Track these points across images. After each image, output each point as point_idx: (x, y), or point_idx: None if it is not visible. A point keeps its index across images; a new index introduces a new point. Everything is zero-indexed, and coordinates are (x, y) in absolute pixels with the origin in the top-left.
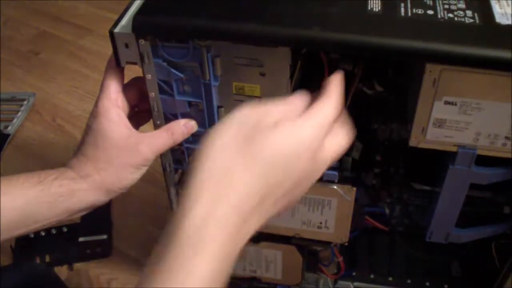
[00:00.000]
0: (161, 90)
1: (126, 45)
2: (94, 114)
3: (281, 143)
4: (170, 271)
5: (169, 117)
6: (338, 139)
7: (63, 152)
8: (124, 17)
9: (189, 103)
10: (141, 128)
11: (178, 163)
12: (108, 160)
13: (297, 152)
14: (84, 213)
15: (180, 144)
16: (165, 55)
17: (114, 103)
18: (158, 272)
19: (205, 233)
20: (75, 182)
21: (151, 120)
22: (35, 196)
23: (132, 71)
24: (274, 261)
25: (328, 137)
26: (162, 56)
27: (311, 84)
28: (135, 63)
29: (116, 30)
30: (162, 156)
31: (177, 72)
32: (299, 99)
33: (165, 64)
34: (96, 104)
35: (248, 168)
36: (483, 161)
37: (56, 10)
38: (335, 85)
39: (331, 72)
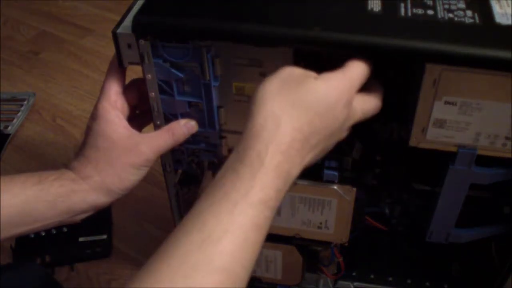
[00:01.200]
0: (161, 90)
1: (129, 46)
2: (93, 116)
3: (320, 90)
4: (235, 182)
5: (169, 117)
6: (368, 99)
7: (63, 152)
8: (126, 18)
9: (189, 103)
10: (143, 129)
11: (178, 163)
12: (109, 161)
13: (334, 100)
14: (86, 214)
15: (180, 144)
16: (165, 55)
17: (114, 105)
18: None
19: (265, 157)
20: (76, 183)
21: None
22: (34, 195)
23: (132, 71)
24: (274, 261)
25: (358, 95)
26: (162, 56)
27: None
28: (138, 64)
29: (119, 30)
30: (162, 156)
31: (177, 72)
32: None
33: (165, 64)
34: (95, 106)
35: (294, 110)
36: (483, 161)
37: (56, 10)
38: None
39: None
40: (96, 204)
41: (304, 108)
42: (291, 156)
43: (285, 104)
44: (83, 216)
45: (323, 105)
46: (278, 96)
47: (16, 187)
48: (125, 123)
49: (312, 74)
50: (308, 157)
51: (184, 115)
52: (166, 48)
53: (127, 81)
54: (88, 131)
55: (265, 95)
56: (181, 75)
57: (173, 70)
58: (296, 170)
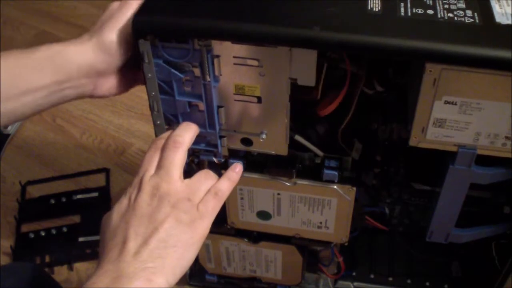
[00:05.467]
0: (161, 91)
1: None
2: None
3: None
4: None
5: (169, 118)
6: None
7: (63, 152)
8: None
9: (189, 104)
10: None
11: None
12: (108, 18)
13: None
14: (79, 91)
15: None
16: (165, 55)
17: None
18: None
19: None
20: (66, 44)
21: (151, 121)
22: (18, 59)
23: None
24: (274, 261)
25: None
26: (162, 57)
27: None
28: None
29: None
30: None
31: (177, 72)
32: None
33: (165, 64)
34: None
35: None
36: (483, 161)
37: (56, 10)
38: None
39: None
40: (92, 64)
41: None
42: None
43: None
44: (76, 92)
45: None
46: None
47: None
48: None
49: None
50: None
51: (184, 115)
52: (166, 48)
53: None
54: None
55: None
56: (181, 75)
57: (173, 70)
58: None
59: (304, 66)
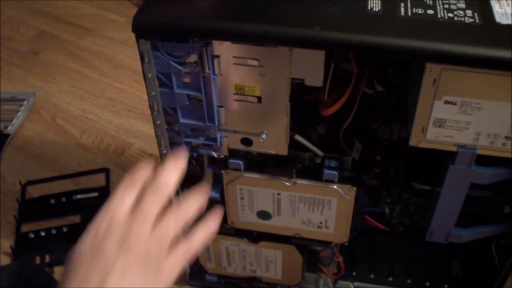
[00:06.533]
0: (160, 84)
1: None
2: None
3: None
4: None
5: (168, 111)
6: None
7: (63, 152)
8: None
9: (188, 96)
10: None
11: None
12: None
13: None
14: None
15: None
16: (165, 54)
17: None
18: None
19: None
20: None
21: (151, 121)
22: None
23: (132, 71)
24: (274, 261)
25: None
26: (161, 51)
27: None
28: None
29: None
30: (161, 155)
31: (176, 65)
32: None
33: (164, 56)
34: None
35: None
36: (483, 160)
37: (56, 10)
38: None
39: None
40: None
41: None
42: None
43: None
44: None
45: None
46: None
47: None
48: None
49: None
50: None
51: (183, 109)
52: (166, 47)
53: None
54: None
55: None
56: (180, 67)
57: (172, 63)
58: None
59: (311, 66)
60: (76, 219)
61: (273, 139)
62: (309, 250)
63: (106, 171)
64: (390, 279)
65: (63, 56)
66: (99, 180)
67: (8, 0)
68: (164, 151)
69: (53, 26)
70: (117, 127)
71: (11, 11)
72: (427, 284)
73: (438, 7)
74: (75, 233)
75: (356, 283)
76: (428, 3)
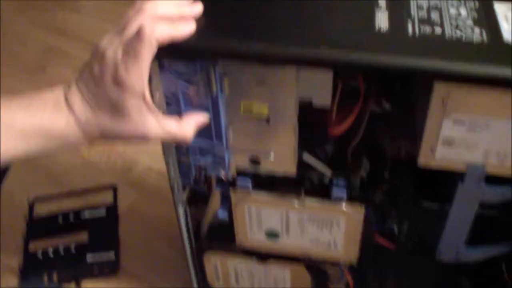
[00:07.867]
0: (168, 102)
1: None
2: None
3: None
4: None
5: None
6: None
7: (70, 167)
8: None
9: None
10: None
11: (186, 177)
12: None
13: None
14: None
15: (187, 158)
16: (173, 74)
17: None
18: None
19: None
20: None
21: None
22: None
23: None
24: (283, 280)
25: None
26: (169, 70)
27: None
28: None
29: None
30: (170, 174)
31: (184, 84)
32: None
33: (171, 75)
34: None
35: None
36: (493, 178)
37: (63, 24)
38: None
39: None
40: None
41: None
42: None
43: None
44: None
45: None
46: None
47: None
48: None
49: None
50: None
51: None
52: (173, 66)
53: None
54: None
55: None
56: (188, 86)
57: (179, 82)
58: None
59: (318, 86)
60: (83, 236)
61: (281, 159)
62: (317, 269)
63: (113, 188)
64: None
65: (69, 71)
66: (106, 196)
67: (15, 15)
68: (172, 170)
69: (60, 41)
70: (124, 144)
71: (17, 25)
72: None
73: (446, 25)
74: (83, 251)
75: None
76: (435, 21)
